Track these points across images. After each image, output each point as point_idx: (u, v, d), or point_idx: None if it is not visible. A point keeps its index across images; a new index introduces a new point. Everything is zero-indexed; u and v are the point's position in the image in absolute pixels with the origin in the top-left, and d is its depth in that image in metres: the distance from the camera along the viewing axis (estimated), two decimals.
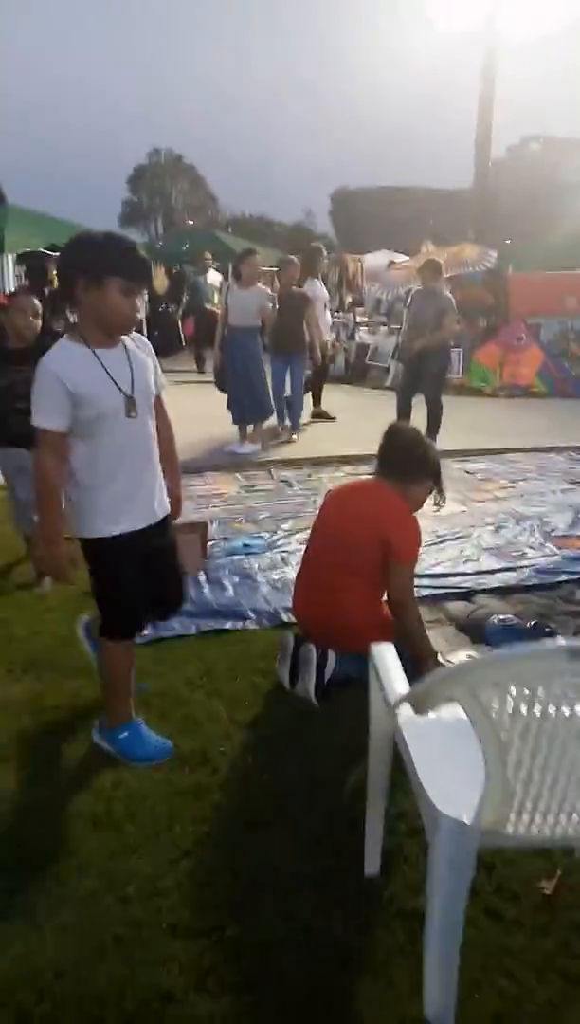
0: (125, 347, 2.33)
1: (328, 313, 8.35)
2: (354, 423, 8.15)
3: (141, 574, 2.44)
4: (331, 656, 2.85)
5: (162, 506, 2.49)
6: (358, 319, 12.91)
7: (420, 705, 1.46)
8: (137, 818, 2.25)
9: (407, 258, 13.10)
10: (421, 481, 2.92)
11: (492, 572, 4.05)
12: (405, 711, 1.62)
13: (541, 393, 10.62)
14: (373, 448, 3.05)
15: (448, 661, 3.12)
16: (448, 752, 1.66)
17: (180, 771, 2.45)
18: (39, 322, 3.69)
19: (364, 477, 3.34)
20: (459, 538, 4.58)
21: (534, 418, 8.83)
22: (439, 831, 1.57)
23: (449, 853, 1.58)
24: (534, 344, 10.90)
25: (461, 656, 3.14)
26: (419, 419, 7.08)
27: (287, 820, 2.22)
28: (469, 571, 4.07)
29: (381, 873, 2.02)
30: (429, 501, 3.02)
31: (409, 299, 7.56)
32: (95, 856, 2.11)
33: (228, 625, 3.46)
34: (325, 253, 8.59)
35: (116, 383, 2.26)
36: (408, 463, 2.92)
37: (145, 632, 3.37)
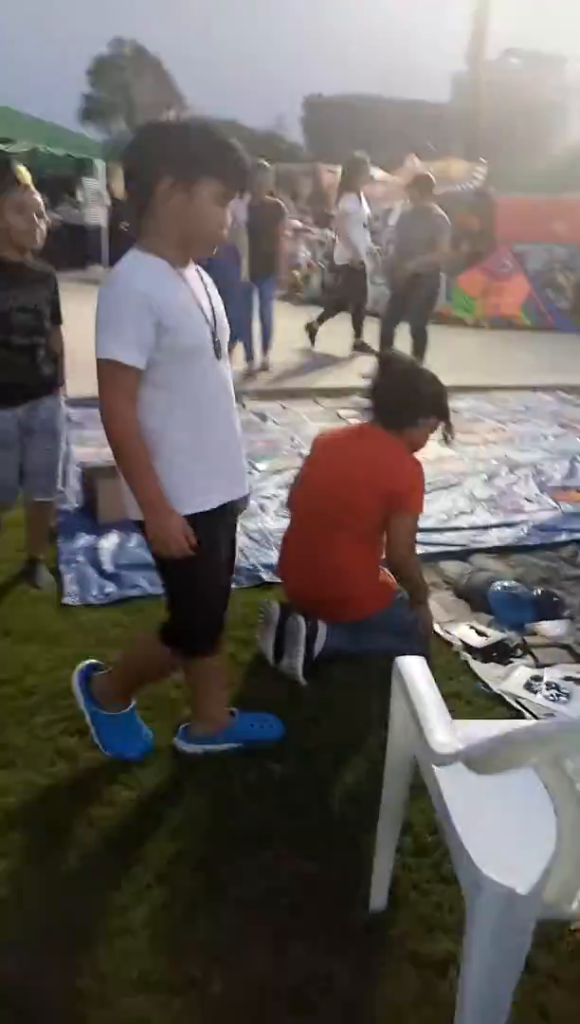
0: (198, 272, 1.85)
1: (367, 234, 7.50)
2: (332, 351, 7.67)
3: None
4: (322, 629, 2.51)
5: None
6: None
7: (482, 767, 1.12)
8: (97, 829, 1.91)
9: (384, 172, 12.33)
10: (422, 422, 2.58)
11: (488, 528, 3.73)
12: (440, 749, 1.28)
13: (526, 326, 10.18)
14: (353, 379, 2.66)
15: (447, 632, 2.83)
16: (490, 800, 1.34)
17: (150, 767, 2.12)
18: (44, 225, 2.77)
19: (354, 422, 2.90)
20: (450, 487, 4.24)
21: (520, 353, 8.44)
22: (481, 898, 1.27)
23: (493, 925, 1.28)
24: (520, 273, 10.39)
25: (463, 628, 2.84)
26: (402, 349, 6.66)
27: (276, 834, 1.91)
28: (464, 526, 3.75)
29: (388, 904, 1.73)
30: (435, 437, 2.68)
31: (397, 218, 6.98)
32: (45, 881, 1.77)
33: None
34: (369, 165, 7.58)
35: (205, 314, 1.80)
36: (406, 405, 2.56)
37: (108, 591, 3.01)
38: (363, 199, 7.25)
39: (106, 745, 2.13)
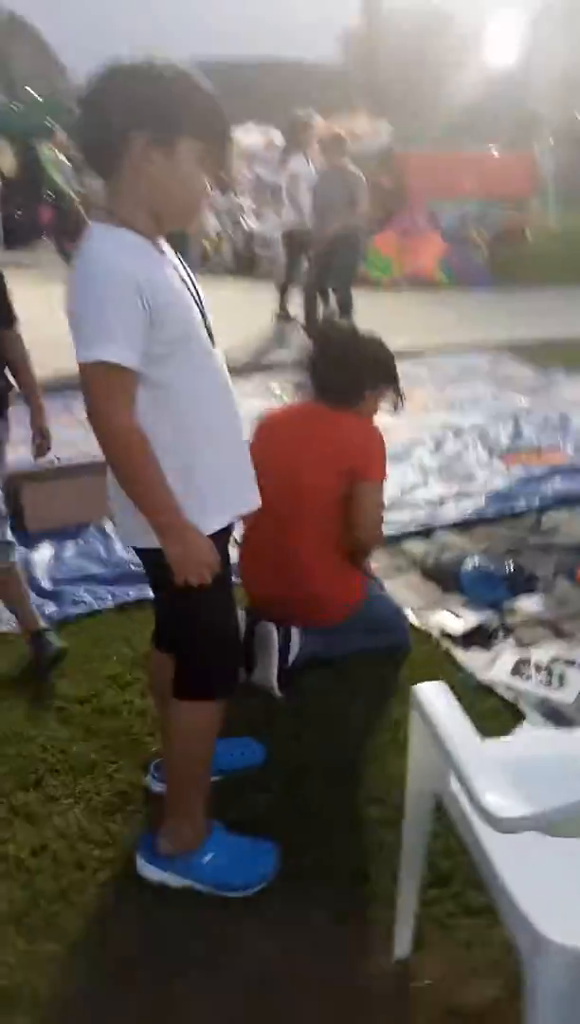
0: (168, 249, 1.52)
1: (307, 195, 7.07)
2: (251, 322, 7.36)
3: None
4: (295, 635, 2.29)
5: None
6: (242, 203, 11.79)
7: (553, 832, 0.92)
8: (69, 903, 1.66)
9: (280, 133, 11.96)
10: (371, 393, 2.38)
11: (445, 501, 3.56)
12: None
13: (444, 284, 10.06)
14: (281, 354, 2.43)
15: (423, 619, 2.64)
16: (540, 850, 1.15)
17: (115, 816, 1.86)
18: None
19: (287, 400, 2.64)
20: (399, 459, 4.04)
21: (443, 312, 8.30)
22: (544, 961, 1.09)
23: (560, 989, 1.11)
24: (434, 231, 10.25)
25: (439, 614, 2.66)
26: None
27: (272, 883, 1.69)
28: (420, 500, 3.57)
29: (412, 948, 1.54)
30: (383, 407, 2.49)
31: (308, 180, 6.66)
32: (11, 956, 1.51)
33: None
34: (313, 125, 7.10)
35: (193, 294, 1.50)
36: (354, 378, 2.35)
37: (48, 612, 2.71)
38: (309, 160, 6.93)
39: (233, 886, 1.67)
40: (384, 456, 2.32)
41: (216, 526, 1.53)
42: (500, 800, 0.97)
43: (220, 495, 1.54)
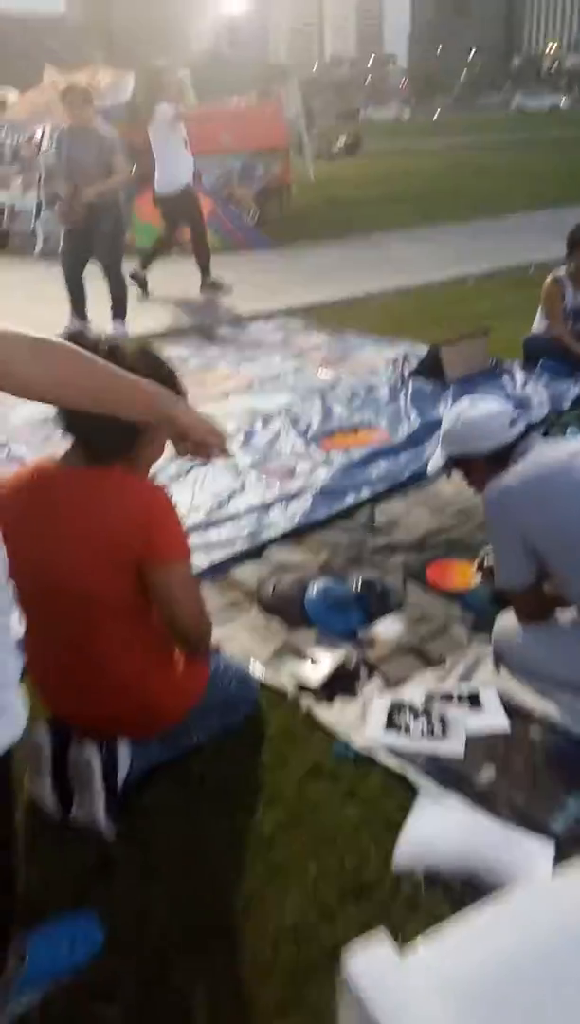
0: None
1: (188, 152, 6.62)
2: (7, 313, 6.44)
3: None
4: (123, 750, 1.74)
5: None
6: None
7: None
8: None
9: (17, 93, 10.77)
10: (150, 431, 1.61)
11: (268, 507, 3.11)
12: None
13: (216, 248, 9.50)
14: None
15: (272, 672, 2.19)
16: None
17: None
18: None
19: (53, 456, 1.69)
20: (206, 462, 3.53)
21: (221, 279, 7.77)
22: None
23: None
24: (197, 190, 9.62)
25: (290, 663, 2.21)
26: (98, 299, 5.72)
27: None
28: (240, 511, 3.09)
29: None
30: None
31: (54, 142, 5.80)
32: None
33: None
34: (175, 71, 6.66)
35: None
36: (121, 431, 1.54)
37: None
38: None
39: None
40: (178, 522, 1.66)
41: None
42: None
43: None
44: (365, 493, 3.17)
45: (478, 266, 7.46)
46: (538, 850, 1.60)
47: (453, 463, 2.20)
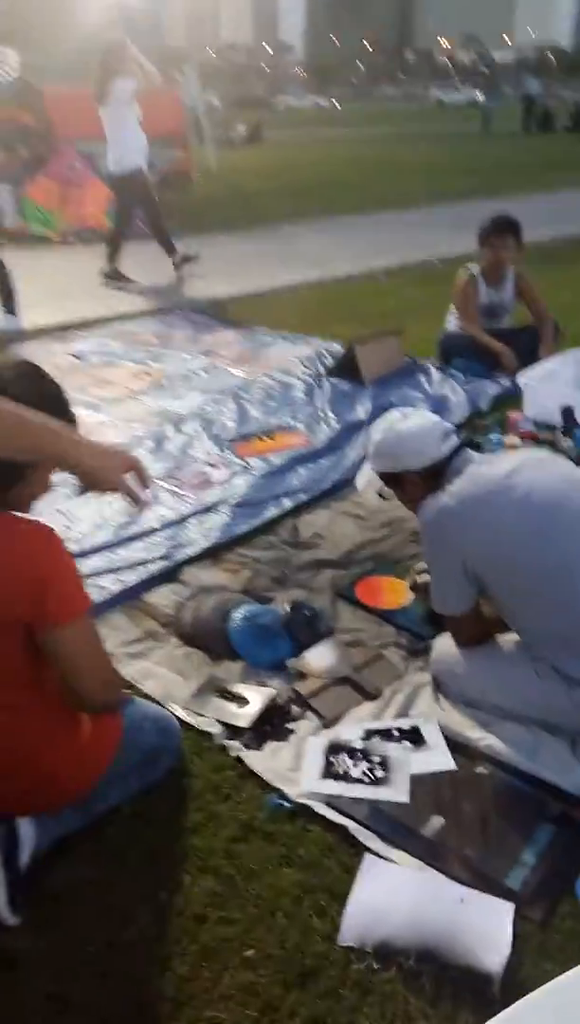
0: None
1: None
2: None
3: None
4: (25, 829, 1.50)
5: None
6: None
7: None
8: None
9: None
10: (32, 471, 1.41)
11: (184, 520, 2.89)
12: None
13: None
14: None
15: (196, 715, 1.98)
16: None
17: None
18: None
19: None
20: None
21: (122, 268, 7.41)
22: None
23: None
24: (94, 176, 9.18)
25: (215, 702, 2.01)
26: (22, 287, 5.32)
27: None
28: (153, 526, 2.85)
29: None
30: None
31: None
32: None
33: None
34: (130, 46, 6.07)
35: None
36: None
37: None
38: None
39: None
40: (73, 569, 1.44)
41: None
42: None
43: None
44: (287, 504, 2.99)
45: (386, 260, 7.38)
46: (496, 912, 1.47)
47: (385, 479, 2.05)
